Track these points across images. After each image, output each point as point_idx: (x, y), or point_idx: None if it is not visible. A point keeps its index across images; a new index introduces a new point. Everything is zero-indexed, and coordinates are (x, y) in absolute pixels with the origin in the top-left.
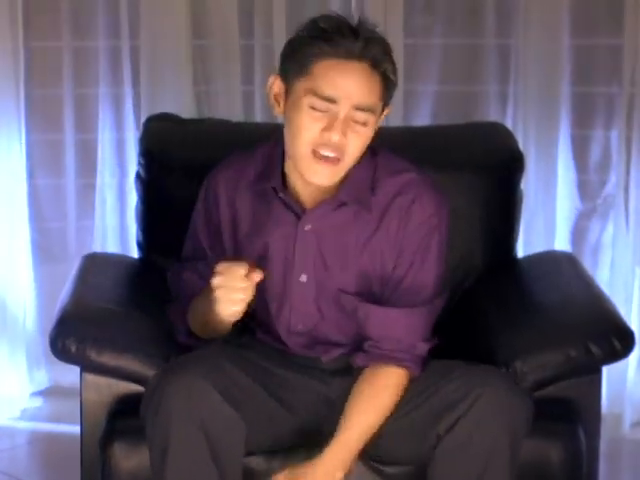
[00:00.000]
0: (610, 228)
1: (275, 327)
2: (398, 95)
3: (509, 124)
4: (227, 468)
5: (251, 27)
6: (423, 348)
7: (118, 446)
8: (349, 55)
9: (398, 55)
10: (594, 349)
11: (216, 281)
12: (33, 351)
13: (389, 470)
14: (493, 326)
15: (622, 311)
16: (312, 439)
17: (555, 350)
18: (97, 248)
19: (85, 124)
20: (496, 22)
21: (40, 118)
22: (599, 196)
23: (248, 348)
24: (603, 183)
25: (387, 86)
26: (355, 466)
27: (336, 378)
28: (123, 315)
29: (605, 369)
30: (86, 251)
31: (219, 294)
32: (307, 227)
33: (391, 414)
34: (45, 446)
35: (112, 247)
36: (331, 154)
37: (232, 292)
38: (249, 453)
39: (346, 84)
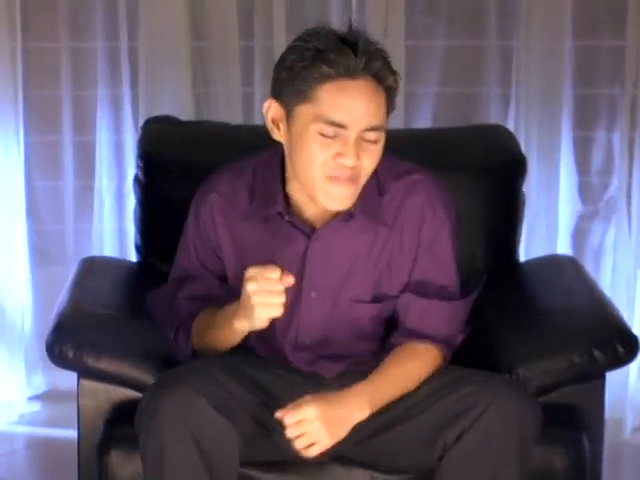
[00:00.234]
0: (612, 231)
1: (278, 342)
2: (399, 97)
3: (511, 126)
4: (222, 479)
5: (251, 28)
6: (458, 339)
7: (115, 454)
8: (352, 73)
9: (399, 57)
10: (597, 355)
11: (251, 287)
12: (30, 355)
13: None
14: (495, 331)
15: (624, 314)
16: None
17: (558, 356)
18: (95, 251)
19: (83, 125)
20: (498, 23)
21: (38, 119)
22: (601, 199)
23: (243, 361)
24: (605, 186)
25: (391, 96)
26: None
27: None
28: (121, 320)
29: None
30: (84, 254)
31: (256, 300)
32: (318, 245)
33: (394, 419)
34: (43, 451)
35: (110, 250)
36: (346, 178)
37: (270, 296)
38: (247, 463)
39: (354, 107)
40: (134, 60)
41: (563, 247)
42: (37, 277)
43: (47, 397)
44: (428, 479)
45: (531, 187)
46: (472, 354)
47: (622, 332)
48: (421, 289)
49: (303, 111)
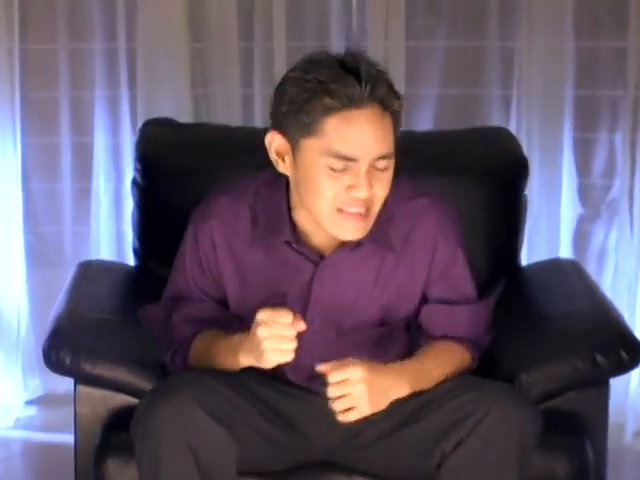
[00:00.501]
0: (614, 233)
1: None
2: None
3: (512, 127)
4: None
5: (250, 29)
6: (485, 340)
7: (112, 462)
8: (356, 103)
9: (399, 58)
10: (601, 361)
11: (263, 332)
12: (27, 358)
13: None
14: (497, 336)
15: (625, 316)
16: (309, 460)
17: (561, 362)
18: (93, 254)
19: (81, 127)
20: (499, 24)
21: (35, 121)
22: (603, 201)
23: (242, 372)
24: (608, 188)
25: (398, 119)
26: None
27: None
28: (118, 325)
29: None
30: (82, 256)
31: (267, 345)
32: (325, 273)
33: (394, 425)
34: (39, 456)
35: (108, 252)
36: (360, 209)
37: (281, 342)
38: (246, 473)
39: (362, 138)
40: (132, 61)
41: (565, 249)
42: (34, 280)
43: (44, 401)
44: None
45: (533, 189)
46: None
47: (626, 338)
48: (441, 300)
49: (309, 145)
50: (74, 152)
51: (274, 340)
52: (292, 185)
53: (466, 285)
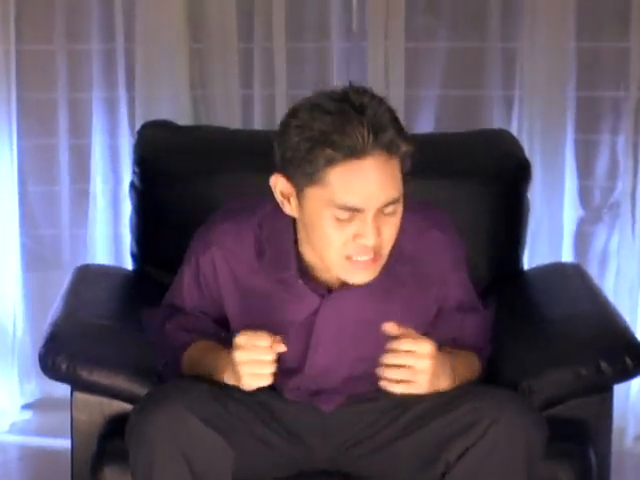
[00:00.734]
0: (616, 236)
1: (277, 385)
2: (399, 100)
3: (514, 129)
4: None
5: (250, 29)
6: (488, 349)
7: (109, 470)
8: (360, 153)
9: (399, 59)
10: (605, 367)
11: (240, 356)
12: (24, 361)
13: None
14: (499, 342)
15: (627, 320)
16: (310, 468)
17: (564, 368)
18: (90, 256)
19: (79, 129)
20: (501, 25)
21: (32, 123)
22: (605, 204)
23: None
24: (610, 190)
25: (406, 159)
26: None
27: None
28: (116, 331)
29: None
30: (79, 259)
31: (244, 370)
32: (331, 306)
33: (396, 432)
34: (35, 461)
35: (106, 255)
36: (368, 256)
37: (258, 367)
38: None
39: (367, 188)
40: (130, 62)
41: (567, 252)
42: (32, 283)
43: (41, 405)
44: None
45: (534, 191)
46: None
47: (630, 344)
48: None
49: (314, 194)
50: (72, 154)
51: (251, 364)
52: (299, 224)
53: (471, 300)
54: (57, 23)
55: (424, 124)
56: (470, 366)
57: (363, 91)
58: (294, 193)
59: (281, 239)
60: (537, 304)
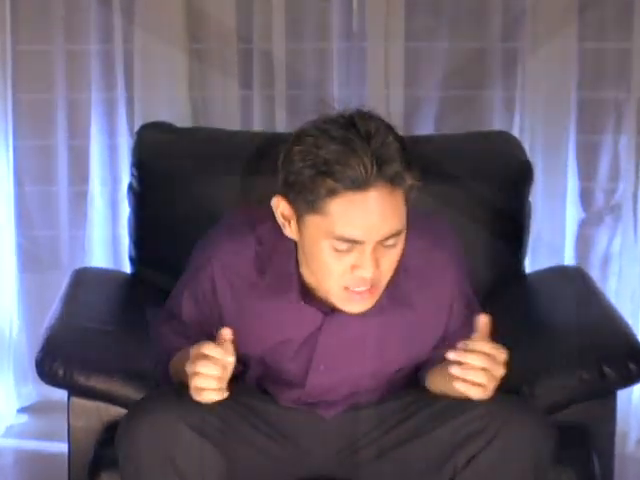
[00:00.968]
0: (618, 238)
1: (277, 398)
2: (399, 101)
3: (515, 130)
4: None
5: (250, 30)
6: None
7: (106, 476)
8: (362, 185)
9: (399, 59)
10: (608, 372)
11: (189, 368)
12: (20, 364)
13: None
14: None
15: (629, 323)
16: (309, 475)
17: (567, 373)
18: (89, 258)
19: (77, 130)
20: (502, 25)
21: (30, 124)
22: (607, 205)
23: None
24: (612, 191)
25: (411, 190)
26: None
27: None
28: (113, 336)
29: None
30: (77, 261)
31: (190, 383)
32: (334, 325)
33: (402, 438)
34: (32, 465)
35: (104, 257)
36: (365, 287)
37: (203, 381)
38: None
39: (367, 221)
40: (129, 63)
41: (569, 254)
42: (29, 284)
43: (37, 408)
44: None
45: (536, 193)
46: None
47: (634, 348)
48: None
49: (313, 222)
50: (70, 155)
51: (198, 378)
52: (299, 247)
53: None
54: (55, 23)
55: (424, 126)
56: None
57: (370, 117)
58: (294, 218)
59: (283, 258)
60: (539, 308)
